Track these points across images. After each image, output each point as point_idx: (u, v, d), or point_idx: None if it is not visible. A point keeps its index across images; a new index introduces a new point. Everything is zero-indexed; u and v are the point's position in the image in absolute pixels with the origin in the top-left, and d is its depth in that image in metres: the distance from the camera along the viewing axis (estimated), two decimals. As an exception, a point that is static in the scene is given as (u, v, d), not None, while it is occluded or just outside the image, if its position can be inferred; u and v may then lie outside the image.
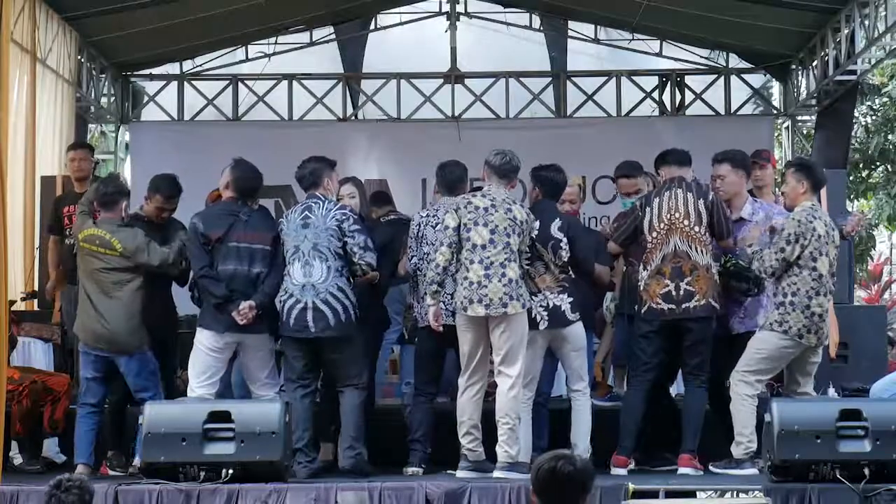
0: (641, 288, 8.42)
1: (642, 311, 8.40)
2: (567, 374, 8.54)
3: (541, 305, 8.27)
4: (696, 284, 8.23)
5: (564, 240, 8.32)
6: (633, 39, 14.24)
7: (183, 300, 9.35)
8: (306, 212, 8.29)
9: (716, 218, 8.32)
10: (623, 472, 8.19)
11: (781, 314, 8.02)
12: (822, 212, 8.17)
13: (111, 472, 8.38)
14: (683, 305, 8.24)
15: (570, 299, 8.32)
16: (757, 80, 14.78)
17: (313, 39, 14.50)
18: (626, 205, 8.97)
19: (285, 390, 8.38)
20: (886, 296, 23.24)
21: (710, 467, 8.23)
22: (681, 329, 8.30)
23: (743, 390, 8.12)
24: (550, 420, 8.66)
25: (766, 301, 8.40)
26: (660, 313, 8.29)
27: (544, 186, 8.58)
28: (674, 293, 8.26)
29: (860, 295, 20.74)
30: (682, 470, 8.17)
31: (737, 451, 8.09)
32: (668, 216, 8.33)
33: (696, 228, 8.28)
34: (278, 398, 8.19)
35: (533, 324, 8.23)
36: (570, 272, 8.39)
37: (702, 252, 8.27)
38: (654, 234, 8.37)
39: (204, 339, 8.27)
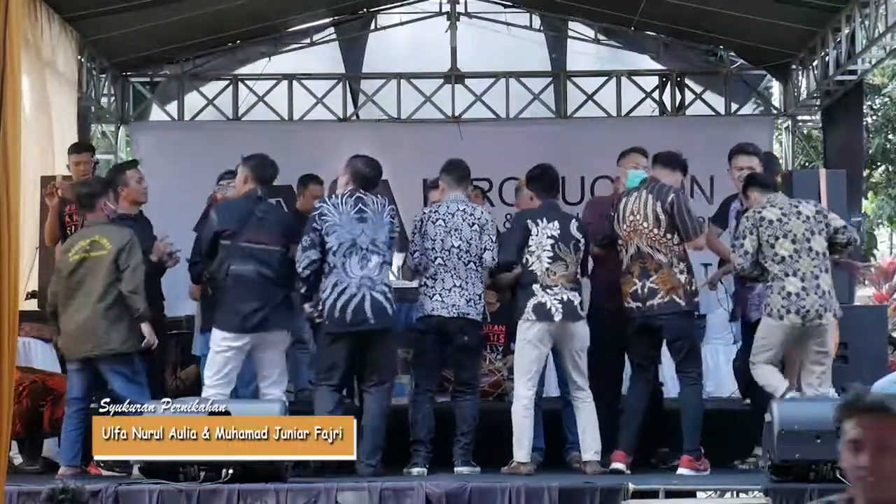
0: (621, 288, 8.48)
1: (622, 311, 8.45)
2: (571, 374, 8.41)
3: (555, 298, 8.28)
4: (660, 282, 8.26)
5: (583, 240, 8.39)
6: (632, 36, 14.22)
7: (175, 301, 9.33)
8: (360, 205, 8.25)
9: (678, 219, 8.30)
10: (622, 465, 8.17)
11: (768, 297, 8.19)
12: (778, 200, 8.23)
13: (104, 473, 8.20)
14: (648, 303, 8.29)
15: (580, 298, 8.38)
16: (757, 80, 14.76)
17: (314, 39, 14.48)
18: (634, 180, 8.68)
19: (315, 389, 8.28)
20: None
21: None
22: (653, 327, 8.32)
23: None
24: (544, 419, 8.64)
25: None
26: (629, 312, 8.35)
27: (540, 184, 8.63)
28: (640, 292, 8.32)
29: (867, 294, 20.67)
30: (681, 470, 8.18)
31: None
32: (631, 218, 8.36)
33: (655, 231, 8.31)
34: (282, 398, 8.18)
35: (547, 315, 8.23)
36: (580, 273, 8.45)
37: (664, 252, 8.29)
38: (622, 236, 8.43)
39: (220, 339, 8.22)
